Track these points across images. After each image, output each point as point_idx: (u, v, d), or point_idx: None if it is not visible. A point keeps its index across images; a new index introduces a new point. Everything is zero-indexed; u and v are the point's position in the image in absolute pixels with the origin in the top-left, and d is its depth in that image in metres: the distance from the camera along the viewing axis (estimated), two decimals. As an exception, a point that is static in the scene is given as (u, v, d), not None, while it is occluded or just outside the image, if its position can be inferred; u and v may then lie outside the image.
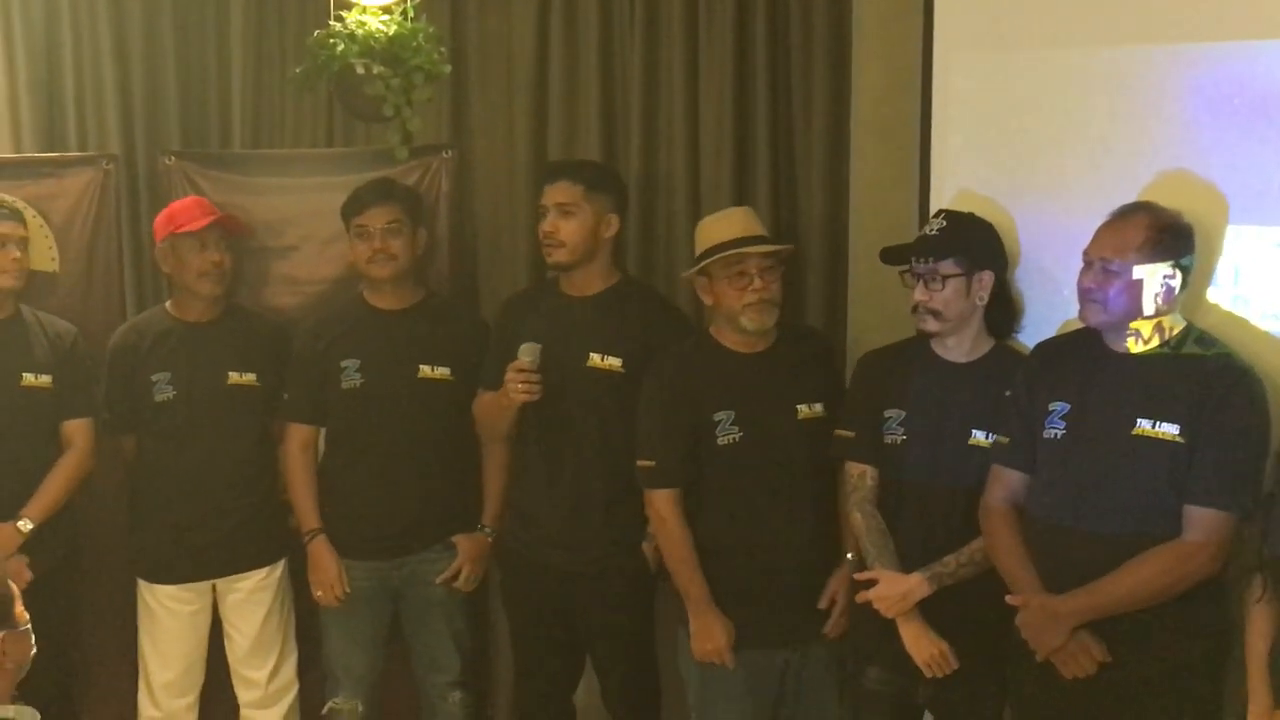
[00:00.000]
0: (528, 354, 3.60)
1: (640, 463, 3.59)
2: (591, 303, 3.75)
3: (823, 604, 3.52)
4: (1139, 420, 2.96)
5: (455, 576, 3.97)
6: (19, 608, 2.51)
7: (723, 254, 3.46)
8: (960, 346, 3.33)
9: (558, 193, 3.70)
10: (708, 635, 3.50)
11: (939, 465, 3.29)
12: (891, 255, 3.38)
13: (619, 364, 3.69)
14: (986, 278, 3.29)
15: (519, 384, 3.59)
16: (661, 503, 3.55)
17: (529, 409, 3.71)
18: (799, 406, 3.50)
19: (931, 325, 3.29)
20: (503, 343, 3.76)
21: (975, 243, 3.30)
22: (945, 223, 3.30)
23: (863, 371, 3.46)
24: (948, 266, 3.26)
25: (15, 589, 2.54)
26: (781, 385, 3.52)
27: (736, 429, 3.50)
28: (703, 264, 3.50)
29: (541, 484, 3.78)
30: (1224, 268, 3.15)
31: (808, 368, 3.55)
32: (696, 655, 3.52)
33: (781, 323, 3.57)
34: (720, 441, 3.50)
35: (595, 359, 3.70)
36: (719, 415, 3.50)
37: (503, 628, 4.18)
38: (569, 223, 3.68)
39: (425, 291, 4.06)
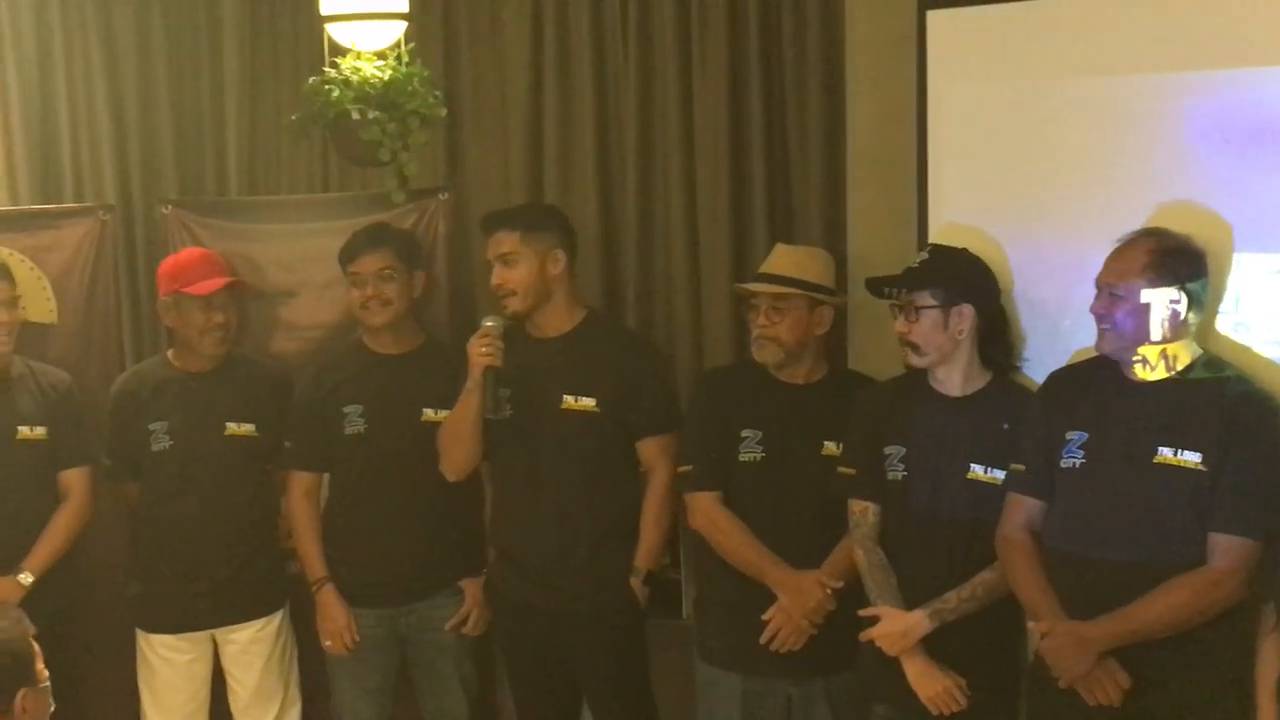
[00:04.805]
0: (491, 320, 3.64)
1: (679, 468, 3.64)
2: (559, 344, 3.75)
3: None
4: (1160, 448, 2.95)
5: (463, 622, 3.96)
6: (40, 665, 2.51)
7: (738, 286, 3.68)
8: (952, 380, 3.32)
9: (498, 244, 3.72)
10: (802, 595, 3.43)
11: (939, 500, 3.27)
12: (873, 285, 3.39)
13: (593, 404, 3.68)
14: (966, 311, 3.28)
15: (482, 348, 3.59)
16: (705, 503, 3.58)
17: (506, 448, 3.71)
18: (826, 443, 3.51)
19: (912, 358, 3.30)
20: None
21: (956, 276, 3.29)
22: (928, 255, 3.31)
23: (862, 408, 3.45)
24: (923, 298, 3.25)
25: (37, 647, 2.53)
26: (814, 419, 3.53)
27: (760, 449, 3.54)
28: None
29: (525, 525, 3.76)
30: (1226, 295, 3.14)
31: (847, 410, 3.50)
32: (799, 615, 3.42)
33: (837, 366, 3.68)
34: (742, 458, 3.54)
35: (569, 400, 3.69)
36: (746, 432, 3.55)
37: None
38: (514, 270, 3.68)
39: (425, 335, 4.05)
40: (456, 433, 3.72)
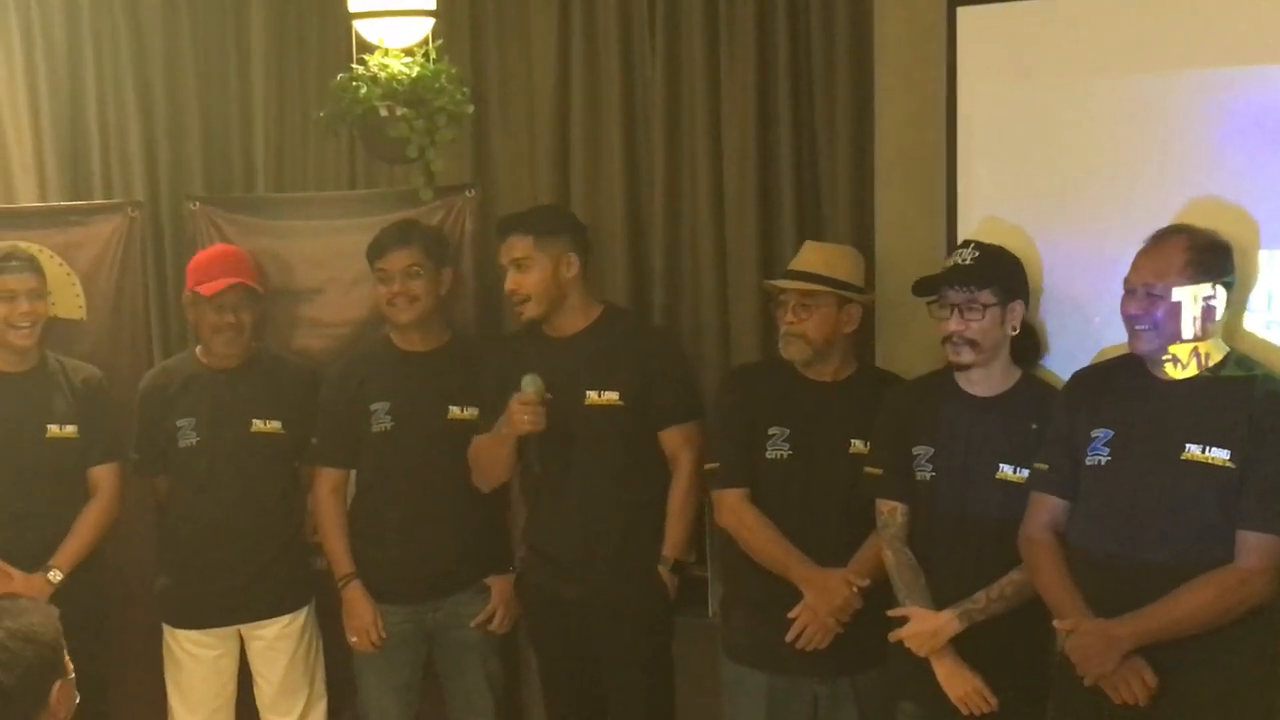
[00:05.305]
0: (531, 385, 3.63)
1: (707, 465, 3.64)
2: (579, 341, 3.76)
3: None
4: (1188, 445, 2.93)
5: (490, 619, 3.97)
6: (65, 656, 2.53)
7: (766, 283, 3.69)
8: (987, 380, 3.31)
9: (511, 249, 3.73)
10: (828, 593, 3.43)
11: (968, 500, 3.26)
12: (925, 286, 3.36)
13: (616, 397, 3.70)
14: (1018, 307, 3.28)
15: (525, 416, 3.61)
16: (732, 501, 3.58)
17: (533, 449, 3.74)
18: (854, 441, 3.50)
19: (967, 356, 3.26)
20: (494, 386, 3.76)
21: (1008, 272, 3.29)
22: (978, 252, 3.28)
23: (889, 407, 3.44)
24: (986, 296, 3.24)
25: (62, 639, 2.55)
26: (842, 417, 3.53)
27: (787, 446, 3.54)
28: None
29: (553, 520, 3.78)
30: (1258, 293, 3.13)
31: (875, 408, 3.49)
32: (825, 614, 3.42)
33: (865, 364, 3.67)
34: (769, 455, 3.54)
35: (592, 396, 3.71)
36: (773, 430, 3.55)
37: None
38: (528, 276, 3.70)
39: (452, 332, 4.05)
40: (491, 459, 3.78)
